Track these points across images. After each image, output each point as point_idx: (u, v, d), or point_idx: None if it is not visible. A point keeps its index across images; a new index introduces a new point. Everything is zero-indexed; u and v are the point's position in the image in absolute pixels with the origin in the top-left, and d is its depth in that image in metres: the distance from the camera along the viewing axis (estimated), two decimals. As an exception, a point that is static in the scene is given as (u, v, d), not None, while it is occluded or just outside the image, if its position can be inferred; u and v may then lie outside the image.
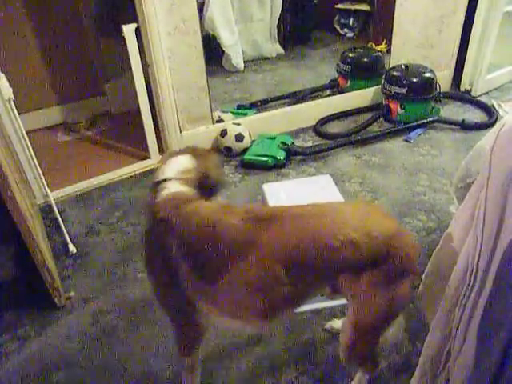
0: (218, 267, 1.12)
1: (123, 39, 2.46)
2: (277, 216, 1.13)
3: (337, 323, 1.68)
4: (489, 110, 3.21)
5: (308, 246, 1.09)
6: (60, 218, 2.27)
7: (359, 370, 1.42)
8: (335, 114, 3.28)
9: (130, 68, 2.54)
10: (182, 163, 1.24)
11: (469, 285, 0.98)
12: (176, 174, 1.21)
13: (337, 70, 3.56)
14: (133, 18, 2.47)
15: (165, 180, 1.20)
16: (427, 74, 3.07)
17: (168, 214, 1.13)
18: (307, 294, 1.20)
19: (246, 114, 3.17)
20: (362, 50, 3.63)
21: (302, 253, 1.09)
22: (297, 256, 1.09)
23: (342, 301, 1.79)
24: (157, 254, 1.18)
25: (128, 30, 2.43)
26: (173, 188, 1.18)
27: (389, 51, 3.44)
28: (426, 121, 3.06)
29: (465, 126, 3.04)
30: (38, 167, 2.31)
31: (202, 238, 1.12)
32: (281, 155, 2.73)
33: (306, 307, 1.78)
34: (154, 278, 1.23)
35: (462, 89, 3.58)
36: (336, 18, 4.96)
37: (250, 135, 2.89)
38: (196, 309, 1.21)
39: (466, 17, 3.30)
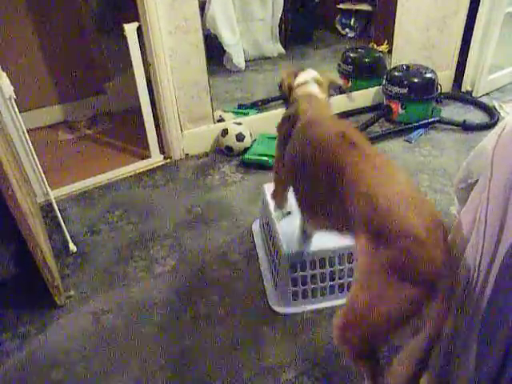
0: (306, 167, 1.37)
1: (124, 38, 2.46)
2: (366, 154, 1.21)
3: None
4: (490, 111, 3.21)
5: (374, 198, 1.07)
6: (60, 217, 2.27)
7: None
8: (336, 114, 3.27)
9: (131, 67, 2.54)
10: (313, 73, 1.65)
11: (471, 286, 0.98)
12: (311, 79, 1.61)
13: (338, 70, 3.56)
14: (134, 16, 2.47)
15: (302, 84, 1.60)
16: (428, 75, 3.07)
17: (301, 109, 1.49)
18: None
19: (247, 114, 3.17)
20: (363, 50, 3.62)
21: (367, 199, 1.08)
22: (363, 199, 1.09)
23: (343, 300, 1.80)
24: (282, 131, 1.58)
25: (129, 28, 2.43)
26: (309, 88, 1.58)
27: (390, 51, 3.44)
28: (427, 121, 3.06)
29: (466, 127, 3.03)
30: (39, 166, 2.31)
31: (305, 137, 1.40)
32: (282, 155, 2.72)
33: (306, 307, 1.78)
34: (276, 147, 1.65)
35: (464, 89, 3.58)
36: (337, 17, 4.96)
37: (250, 135, 2.89)
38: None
39: (467, 17, 3.29)
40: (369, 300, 1.06)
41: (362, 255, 1.07)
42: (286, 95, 1.66)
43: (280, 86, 1.71)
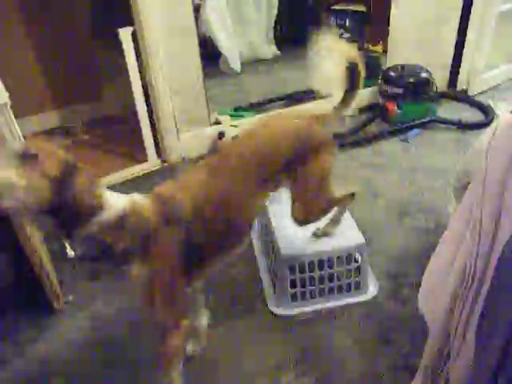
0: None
1: (120, 43, 2.46)
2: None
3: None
4: (485, 110, 3.21)
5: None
6: (58, 222, 2.25)
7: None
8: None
9: (127, 71, 2.54)
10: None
11: (467, 285, 0.98)
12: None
13: (333, 71, 3.56)
14: (129, 21, 2.47)
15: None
16: (423, 74, 3.08)
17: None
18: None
19: (243, 116, 3.17)
20: (358, 51, 3.62)
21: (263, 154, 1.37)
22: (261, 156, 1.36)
23: (342, 301, 1.80)
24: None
25: (124, 33, 2.43)
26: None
27: (385, 52, 3.45)
28: (423, 121, 3.07)
29: (462, 126, 3.04)
30: (36, 171, 2.30)
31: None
32: (278, 157, 2.72)
33: (304, 308, 1.78)
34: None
35: (459, 88, 3.59)
36: (332, 19, 4.96)
37: (247, 137, 2.89)
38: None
39: (461, 16, 3.30)
40: None
41: None
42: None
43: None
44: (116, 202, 1.08)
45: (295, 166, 1.42)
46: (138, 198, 1.16)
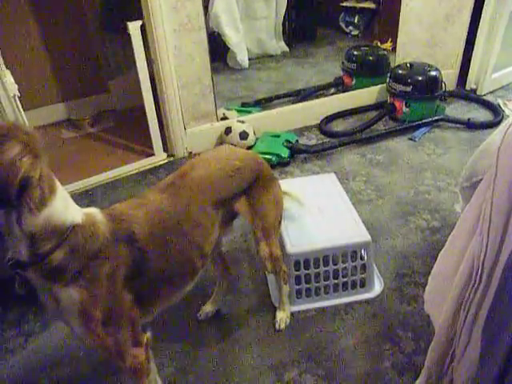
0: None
1: (128, 36, 2.46)
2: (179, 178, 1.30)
3: (207, 307, 1.78)
4: (494, 109, 3.19)
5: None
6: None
7: (279, 282, 1.66)
8: (340, 112, 3.27)
9: (135, 65, 2.55)
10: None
11: (474, 285, 0.98)
12: None
13: (342, 68, 3.56)
14: (138, 14, 2.47)
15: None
16: (432, 73, 3.06)
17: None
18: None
19: (250, 112, 3.16)
20: (367, 48, 3.61)
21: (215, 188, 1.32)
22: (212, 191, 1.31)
23: (347, 299, 1.80)
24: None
25: (133, 27, 2.44)
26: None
27: (394, 49, 3.43)
28: (431, 119, 3.05)
29: (470, 125, 3.02)
30: (43, 164, 2.31)
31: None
32: (285, 153, 2.72)
33: (309, 305, 1.78)
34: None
35: (468, 87, 3.56)
36: (341, 15, 4.95)
37: (254, 133, 2.89)
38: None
39: (472, 15, 3.28)
40: None
41: None
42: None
43: None
44: (68, 210, 0.99)
45: (253, 191, 1.42)
46: (94, 212, 1.08)
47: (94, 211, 1.08)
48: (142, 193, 1.27)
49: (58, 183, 0.98)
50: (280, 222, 1.56)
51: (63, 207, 0.97)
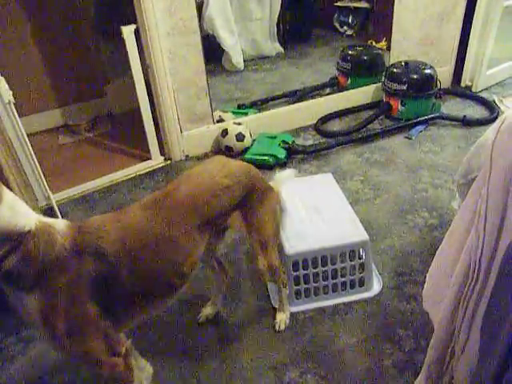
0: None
1: (123, 40, 2.46)
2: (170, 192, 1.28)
3: (206, 310, 1.77)
4: (490, 106, 3.20)
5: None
6: (62, 220, 2.26)
7: (278, 285, 1.66)
8: (336, 112, 3.28)
9: (130, 69, 2.55)
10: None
11: (471, 282, 0.98)
12: None
13: (337, 68, 3.56)
14: (132, 18, 2.47)
15: None
16: (427, 71, 3.07)
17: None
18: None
19: (246, 114, 3.16)
20: (361, 48, 3.62)
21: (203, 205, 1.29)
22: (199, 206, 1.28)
23: (345, 298, 1.80)
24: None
25: (127, 31, 2.44)
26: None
27: (389, 48, 3.43)
28: (426, 117, 3.06)
29: (466, 122, 3.03)
30: (40, 170, 2.31)
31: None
32: (282, 154, 2.73)
33: (308, 306, 1.78)
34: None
35: (463, 85, 3.57)
36: (335, 15, 4.96)
37: (250, 134, 2.89)
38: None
39: (465, 12, 3.29)
40: None
41: None
42: None
43: None
44: (17, 217, 0.98)
45: (247, 205, 1.40)
46: (54, 222, 1.07)
47: (55, 221, 1.08)
48: (125, 207, 1.25)
49: (5, 191, 0.98)
50: (278, 232, 1.54)
51: (11, 214, 0.97)
